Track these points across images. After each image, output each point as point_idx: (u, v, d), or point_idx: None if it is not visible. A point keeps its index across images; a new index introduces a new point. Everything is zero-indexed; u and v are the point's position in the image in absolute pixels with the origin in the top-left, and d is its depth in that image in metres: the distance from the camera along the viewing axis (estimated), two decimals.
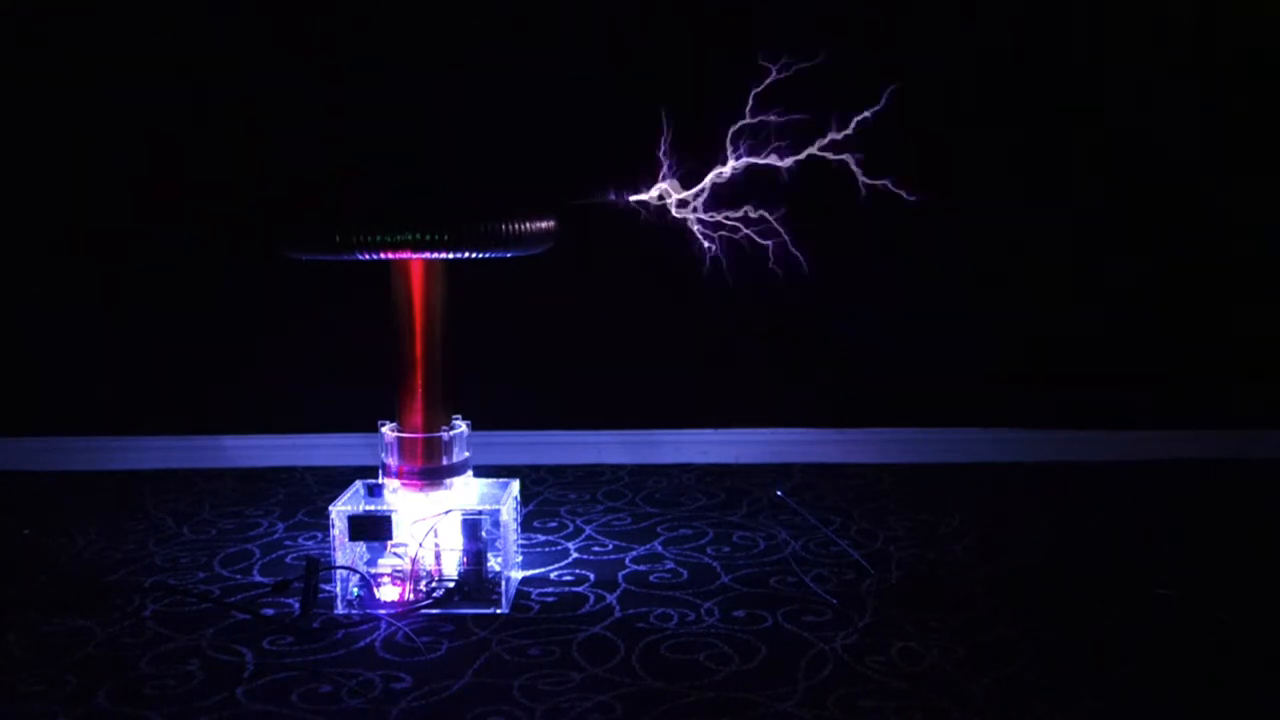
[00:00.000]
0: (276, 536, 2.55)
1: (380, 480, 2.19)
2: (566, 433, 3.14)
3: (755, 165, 2.27)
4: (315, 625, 2.04)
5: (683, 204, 2.26)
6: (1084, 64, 2.99)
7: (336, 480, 2.82)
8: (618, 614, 2.10)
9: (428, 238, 1.97)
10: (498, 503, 2.15)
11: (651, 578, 2.28)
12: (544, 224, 2.09)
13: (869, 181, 2.31)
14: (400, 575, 2.11)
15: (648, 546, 2.47)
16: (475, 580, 2.13)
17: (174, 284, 3.05)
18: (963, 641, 1.95)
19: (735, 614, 2.09)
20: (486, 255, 2.04)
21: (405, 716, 1.73)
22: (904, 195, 2.33)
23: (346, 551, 2.12)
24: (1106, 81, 3.00)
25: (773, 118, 2.29)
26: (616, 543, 2.49)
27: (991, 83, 2.98)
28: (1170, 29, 2.98)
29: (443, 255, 2.04)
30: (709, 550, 2.44)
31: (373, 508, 2.12)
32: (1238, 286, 3.08)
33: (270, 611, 2.10)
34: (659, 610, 2.11)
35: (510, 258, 2.09)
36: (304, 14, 2.93)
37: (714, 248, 2.28)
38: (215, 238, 3.00)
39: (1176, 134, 3.01)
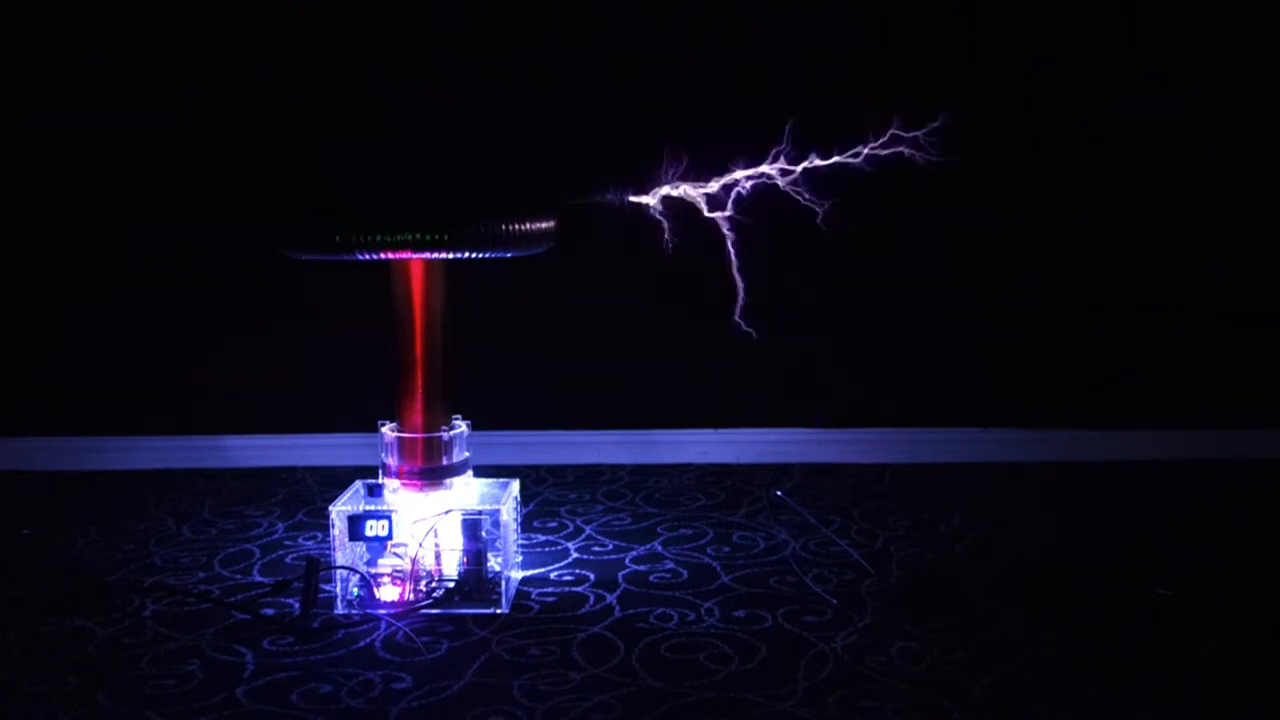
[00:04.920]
0: (276, 536, 2.55)
1: (380, 480, 2.19)
2: (566, 433, 3.13)
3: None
4: (315, 625, 2.04)
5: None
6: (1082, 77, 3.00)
7: (336, 480, 2.81)
8: (618, 614, 2.10)
9: (428, 238, 1.98)
10: (498, 503, 2.15)
11: (651, 578, 2.28)
12: (544, 224, 2.09)
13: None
14: (400, 575, 2.11)
15: (648, 546, 2.47)
16: (475, 580, 2.13)
17: (174, 283, 3.05)
18: (963, 641, 1.95)
19: (735, 614, 2.09)
20: (486, 255, 2.04)
21: (405, 716, 1.73)
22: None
23: (346, 551, 2.12)
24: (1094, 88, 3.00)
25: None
26: (616, 543, 2.49)
27: (987, 87, 2.98)
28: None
29: (443, 255, 2.04)
30: (709, 550, 2.44)
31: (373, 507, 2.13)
32: (1236, 286, 3.08)
33: (270, 611, 2.10)
34: (659, 610, 2.11)
35: (510, 258, 2.09)
36: (304, 12, 2.93)
37: (722, 247, 2.29)
38: (215, 237, 3.00)
39: (1169, 133, 3.00)
